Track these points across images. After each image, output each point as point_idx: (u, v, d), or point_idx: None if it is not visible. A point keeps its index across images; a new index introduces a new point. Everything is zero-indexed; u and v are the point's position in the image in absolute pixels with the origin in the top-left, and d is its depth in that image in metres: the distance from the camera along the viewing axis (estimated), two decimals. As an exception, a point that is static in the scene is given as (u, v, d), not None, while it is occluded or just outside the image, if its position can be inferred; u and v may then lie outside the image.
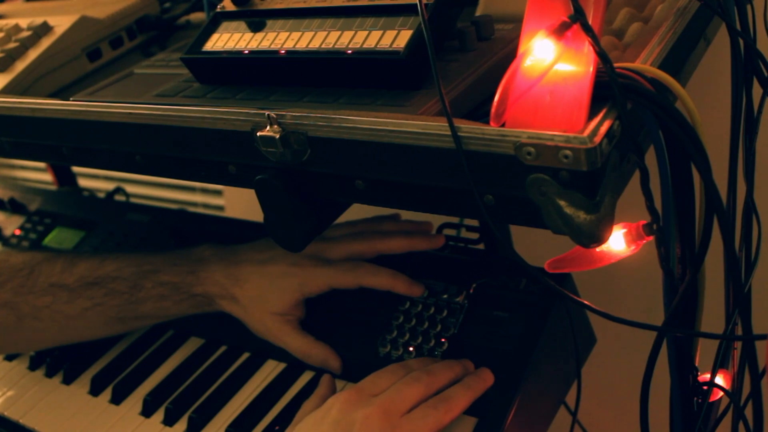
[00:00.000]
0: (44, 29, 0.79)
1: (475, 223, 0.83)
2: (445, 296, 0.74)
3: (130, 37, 0.85)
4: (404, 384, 0.63)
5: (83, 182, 1.60)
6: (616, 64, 0.43)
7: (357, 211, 0.71)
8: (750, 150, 0.58)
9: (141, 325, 0.84)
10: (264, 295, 0.76)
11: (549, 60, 0.42)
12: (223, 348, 0.83)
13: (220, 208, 1.75)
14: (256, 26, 0.59)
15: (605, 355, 0.83)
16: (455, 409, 0.63)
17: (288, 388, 0.75)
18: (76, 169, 1.48)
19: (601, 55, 0.41)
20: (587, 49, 0.42)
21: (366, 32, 0.53)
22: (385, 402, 0.61)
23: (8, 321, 0.81)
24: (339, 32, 0.54)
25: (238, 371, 0.79)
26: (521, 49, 0.43)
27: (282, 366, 0.78)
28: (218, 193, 1.74)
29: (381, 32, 0.52)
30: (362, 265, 0.76)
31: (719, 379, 0.58)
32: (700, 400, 0.58)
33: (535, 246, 0.62)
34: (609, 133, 0.41)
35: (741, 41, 0.54)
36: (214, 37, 0.60)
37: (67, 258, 0.83)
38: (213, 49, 0.59)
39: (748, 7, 0.57)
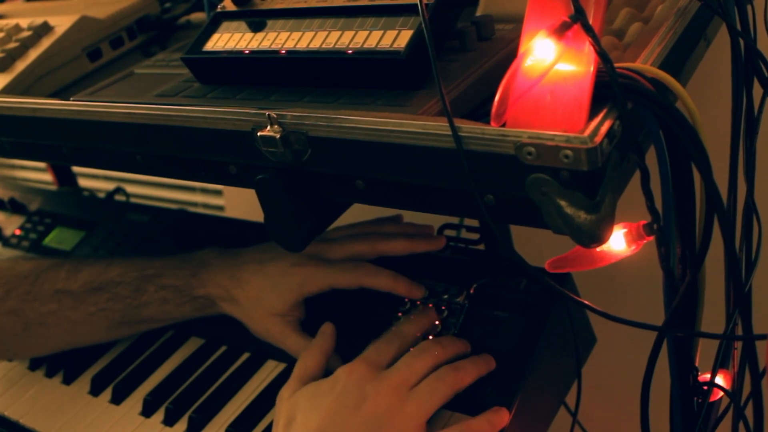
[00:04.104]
0: (44, 29, 0.78)
1: (475, 223, 0.83)
2: (446, 296, 0.74)
3: (131, 37, 0.85)
4: (413, 357, 0.64)
5: (83, 182, 1.60)
6: (616, 64, 0.43)
7: (357, 212, 0.71)
8: (750, 150, 0.58)
9: (144, 329, 0.85)
10: (264, 295, 0.76)
11: (549, 60, 0.42)
12: (223, 348, 0.83)
13: (220, 208, 1.75)
14: (256, 26, 0.59)
15: (605, 355, 0.83)
16: (463, 380, 0.64)
17: (288, 388, 0.75)
18: (76, 169, 1.48)
19: (602, 55, 0.41)
20: (588, 49, 0.42)
21: (366, 32, 0.53)
22: (394, 376, 0.62)
23: (15, 328, 0.81)
24: (339, 32, 0.54)
25: (238, 371, 0.79)
26: (522, 49, 0.43)
27: (282, 366, 0.78)
28: (218, 193, 1.74)
29: (381, 32, 0.52)
30: (363, 266, 0.76)
31: (719, 379, 0.58)
32: (700, 400, 0.58)
33: (535, 246, 0.62)
34: (609, 133, 0.41)
35: (741, 41, 0.54)
36: (215, 37, 0.60)
37: (72, 264, 0.84)
38: (213, 49, 0.59)
39: (748, 7, 0.57)
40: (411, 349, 0.66)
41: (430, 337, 0.71)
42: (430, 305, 0.74)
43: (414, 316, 0.71)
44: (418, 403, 0.61)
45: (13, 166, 2.26)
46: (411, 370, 0.63)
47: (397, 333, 0.69)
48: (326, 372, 0.70)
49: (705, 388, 0.57)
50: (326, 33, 0.55)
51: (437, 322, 0.72)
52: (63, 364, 0.86)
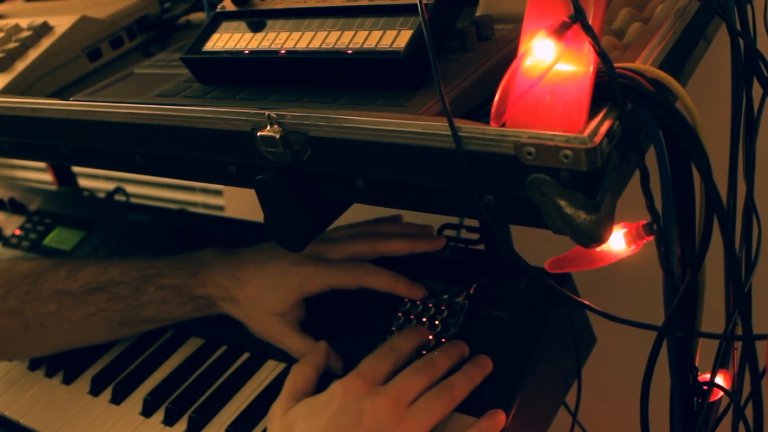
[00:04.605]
0: (44, 29, 0.78)
1: (475, 223, 0.83)
2: (446, 297, 0.74)
3: (131, 37, 0.85)
4: (408, 375, 0.64)
5: (83, 182, 1.60)
6: (616, 64, 0.43)
7: (357, 212, 0.71)
8: (750, 150, 0.58)
9: (144, 329, 0.85)
10: (264, 295, 0.76)
11: (549, 60, 0.42)
12: (223, 348, 0.83)
13: (220, 208, 1.75)
14: (256, 26, 0.59)
15: (605, 355, 0.83)
16: (458, 397, 0.64)
17: (288, 388, 0.75)
18: (76, 169, 1.48)
19: (602, 55, 0.41)
20: (587, 49, 0.42)
21: (366, 32, 0.53)
22: (392, 392, 0.62)
23: (15, 328, 0.81)
24: (339, 32, 0.54)
25: (238, 371, 0.79)
26: (521, 49, 0.43)
27: (282, 366, 0.78)
28: (218, 193, 1.74)
29: (381, 32, 0.52)
30: (363, 266, 0.76)
31: (719, 379, 0.58)
32: (700, 400, 0.58)
33: (535, 246, 0.62)
34: (609, 133, 0.41)
35: (741, 41, 0.54)
36: (215, 37, 0.60)
37: (72, 264, 0.84)
38: (213, 49, 0.59)
39: (748, 7, 0.57)
40: (407, 367, 0.66)
41: (430, 337, 0.71)
42: (430, 305, 0.74)
43: (408, 331, 0.71)
44: (415, 421, 0.61)
45: (13, 166, 2.26)
46: (408, 387, 0.63)
47: (393, 347, 0.68)
48: (323, 372, 0.71)
49: (705, 388, 0.57)
50: (326, 33, 0.55)
51: (437, 322, 0.72)
52: (63, 364, 0.86)
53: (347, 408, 0.61)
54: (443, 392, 0.63)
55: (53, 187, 1.40)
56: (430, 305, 0.74)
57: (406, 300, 0.75)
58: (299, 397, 0.66)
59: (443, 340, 0.71)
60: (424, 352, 0.70)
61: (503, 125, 0.43)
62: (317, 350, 0.72)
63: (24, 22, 0.81)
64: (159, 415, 0.77)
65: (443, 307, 0.73)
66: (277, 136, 0.50)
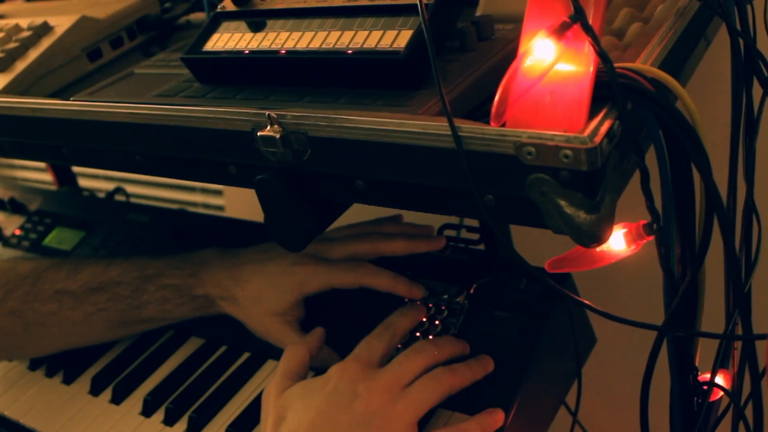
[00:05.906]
0: (44, 29, 0.79)
1: (475, 223, 0.83)
2: (446, 296, 0.74)
3: (131, 37, 0.85)
4: (407, 356, 0.64)
5: (83, 182, 1.60)
6: (616, 64, 0.43)
7: (357, 212, 0.71)
8: (750, 150, 0.58)
9: (144, 329, 0.85)
10: (263, 294, 0.76)
11: (549, 60, 0.42)
12: (223, 348, 0.83)
13: (220, 208, 1.75)
14: (256, 26, 0.59)
15: (605, 355, 0.83)
16: (457, 383, 0.63)
17: (288, 388, 0.75)
18: (76, 169, 1.48)
19: (602, 55, 0.41)
20: (587, 49, 0.42)
21: (366, 32, 0.53)
22: (386, 376, 0.62)
23: (15, 328, 0.82)
24: (339, 32, 0.54)
25: (238, 371, 0.79)
26: (521, 49, 0.43)
27: (282, 366, 0.78)
28: (218, 193, 1.74)
29: (381, 32, 0.52)
30: (363, 265, 0.76)
31: (719, 379, 0.58)
32: (700, 400, 0.58)
33: (535, 246, 0.62)
34: (609, 133, 0.41)
35: (741, 41, 0.54)
36: (215, 37, 0.60)
37: (72, 264, 0.84)
38: (213, 49, 0.59)
39: (748, 7, 0.57)
40: (407, 348, 0.66)
41: (430, 337, 0.71)
42: (430, 305, 0.74)
43: (404, 309, 0.71)
44: (409, 403, 0.61)
45: (13, 166, 2.26)
46: (403, 369, 0.63)
47: (388, 326, 0.69)
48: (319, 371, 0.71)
49: (705, 388, 0.57)
50: (326, 33, 0.55)
51: (437, 322, 0.72)
52: (63, 364, 0.86)
53: (341, 390, 0.61)
54: (442, 374, 0.63)
55: (53, 187, 1.40)
56: (430, 305, 0.74)
57: (406, 300, 0.75)
58: (294, 378, 0.66)
59: (443, 340, 0.71)
60: (430, 337, 0.70)
61: (503, 125, 0.43)
62: (313, 334, 0.72)
63: (24, 22, 0.81)
64: (159, 415, 0.77)
65: (443, 307, 0.73)
66: (278, 136, 0.50)
